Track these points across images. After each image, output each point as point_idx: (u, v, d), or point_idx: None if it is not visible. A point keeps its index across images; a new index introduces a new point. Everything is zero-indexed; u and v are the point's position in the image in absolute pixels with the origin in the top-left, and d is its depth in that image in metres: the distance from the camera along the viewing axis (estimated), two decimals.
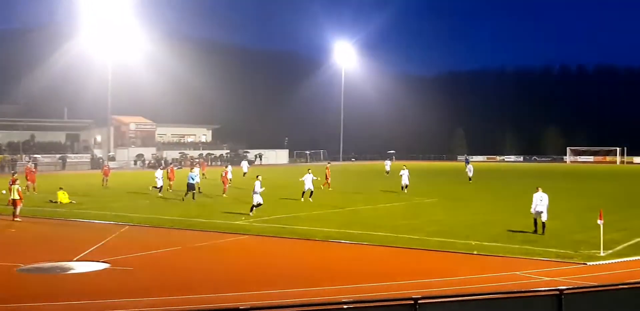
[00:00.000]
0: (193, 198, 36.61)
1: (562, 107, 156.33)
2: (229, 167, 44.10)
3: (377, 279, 16.06)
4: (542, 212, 23.11)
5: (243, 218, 27.95)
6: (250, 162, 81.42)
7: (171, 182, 43.90)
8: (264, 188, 29.41)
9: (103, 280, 16.54)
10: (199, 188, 38.84)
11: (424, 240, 21.80)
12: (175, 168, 44.27)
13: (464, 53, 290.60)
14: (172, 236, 23.63)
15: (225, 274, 17.09)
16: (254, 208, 29.01)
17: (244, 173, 58.32)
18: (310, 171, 36.58)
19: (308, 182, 35.96)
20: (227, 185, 41.32)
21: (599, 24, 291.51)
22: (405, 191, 41.77)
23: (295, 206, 33.61)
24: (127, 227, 26.05)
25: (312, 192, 36.01)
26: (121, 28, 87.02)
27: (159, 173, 41.36)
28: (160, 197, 38.71)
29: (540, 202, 23.27)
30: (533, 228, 23.34)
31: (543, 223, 23.17)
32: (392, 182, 51.29)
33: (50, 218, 29.25)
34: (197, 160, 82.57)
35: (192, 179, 36.90)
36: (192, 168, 40.59)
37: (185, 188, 36.87)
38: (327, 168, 45.17)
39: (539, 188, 23.79)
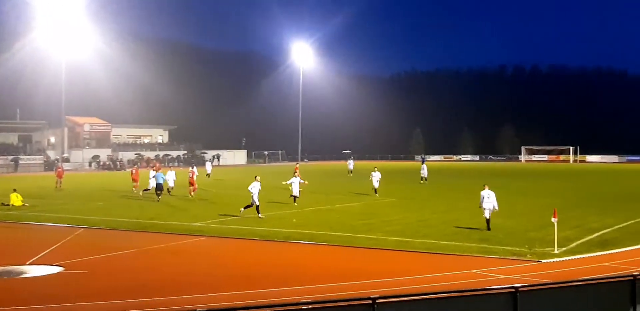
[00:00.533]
0: (157, 198, 36.82)
1: (517, 107, 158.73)
2: (194, 168, 43.63)
3: (335, 279, 16.08)
4: (489, 209, 24.04)
5: (236, 216, 27.74)
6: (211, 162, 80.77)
7: (135, 183, 43.66)
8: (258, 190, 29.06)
9: (57, 284, 16.27)
10: (169, 189, 38.84)
11: (382, 240, 21.89)
12: (145, 168, 43.62)
13: (420, 54, 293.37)
14: (128, 239, 23.35)
15: (182, 276, 16.93)
16: (258, 208, 28.64)
17: (208, 174, 58.07)
18: (297, 174, 35.18)
19: (295, 186, 33.90)
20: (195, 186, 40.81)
21: (552, 26, 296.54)
22: (377, 195, 39.17)
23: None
24: (82, 229, 25.67)
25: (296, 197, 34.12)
26: (74, 27, 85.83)
27: (152, 174, 39.71)
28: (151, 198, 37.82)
29: (487, 199, 24.15)
30: (488, 227, 23.77)
31: (488, 219, 23.98)
32: (354, 182, 51.44)
33: (3, 222, 28.67)
34: (153, 161, 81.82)
35: (161, 179, 37.41)
36: (158, 169, 40.83)
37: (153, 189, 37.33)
38: (296, 168, 45.22)
39: (486, 186, 24.75)
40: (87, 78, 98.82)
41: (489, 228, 23.74)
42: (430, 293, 10.58)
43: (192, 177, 40.42)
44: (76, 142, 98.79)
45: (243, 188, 43.30)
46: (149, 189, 39.32)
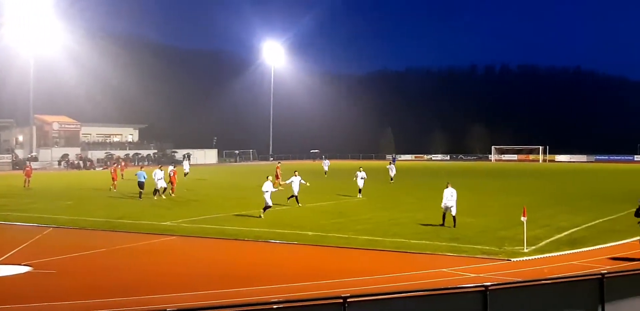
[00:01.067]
0: (140, 196, 36.95)
1: (487, 106, 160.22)
2: (171, 167, 43.33)
3: (306, 278, 16.06)
4: (452, 207, 24.53)
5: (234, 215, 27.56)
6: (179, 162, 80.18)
7: (114, 182, 43.81)
8: (276, 189, 28.98)
9: (24, 284, 16.04)
10: (164, 189, 38.24)
11: (352, 239, 21.91)
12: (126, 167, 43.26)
13: (392, 53, 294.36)
14: (97, 238, 23.11)
15: (152, 276, 16.79)
16: (266, 209, 28.32)
17: (186, 174, 57.49)
18: (297, 173, 33.61)
19: (296, 185, 32.95)
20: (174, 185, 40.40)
21: (523, 25, 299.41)
22: (360, 195, 38.25)
23: (224, 206, 33.33)
24: (50, 229, 25.37)
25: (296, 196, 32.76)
26: (43, 25, 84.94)
27: (158, 174, 38.01)
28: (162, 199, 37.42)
29: (450, 197, 24.66)
30: (443, 222, 24.48)
31: (454, 217, 24.45)
32: (329, 182, 51.43)
33: None
34: (121, 160, 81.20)
35: (144, 178, 37.30)
36: (141, 167, 40.95)
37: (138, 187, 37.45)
38: (277, 167, 45.03)
39: (449, 184, 25.28)
40: (56, 76, 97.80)
41: (454, 225, 24.21)
42: (401, 292, 10.59)
43: (173, 176, 40.29)
44: (45, 140, 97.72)
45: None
46: (158, 190, 37.80)
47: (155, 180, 37.27)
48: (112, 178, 44.20)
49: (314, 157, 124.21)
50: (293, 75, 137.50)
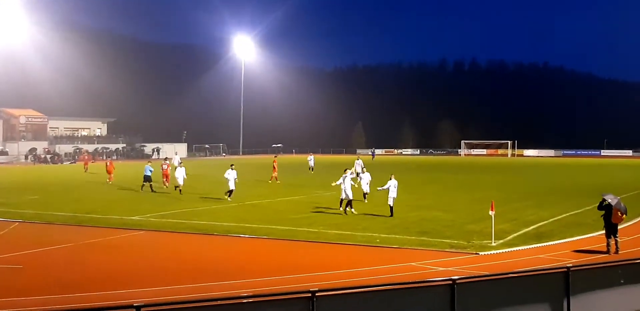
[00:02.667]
0: (151, 189, 37.73)
1: (457, 101, 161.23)
2: (168, 160, 44.50)
3: (276, 273, 16.06)
4: (392, 197, 25.86)
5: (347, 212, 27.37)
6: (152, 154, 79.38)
7: (110, 175, 44.85)
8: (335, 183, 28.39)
9: None
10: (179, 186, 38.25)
11: (322, 233, 21.95)
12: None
13: (362, 48, 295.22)
14: (64, 233, 22.86)
15: (120, 271, 16.67)
16: (343, 202, 27.74)
17: (176, 168, 55.18)
18: (350, 171, 29.00)
19: (364, 182, 30.98)
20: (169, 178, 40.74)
21: (491, 21, 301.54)
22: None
23: (193, 200, 33.18)
24: (17, 223, 25.08)
25: (350, 200, 27.74)
26: (9, 17, 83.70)
27: (179, 172, 37.78)
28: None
29: (394, 188, 26.04)
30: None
31: (391, 207, 26.01)
32: (313, 177, 51.35)
33: None
34: (87, 153, 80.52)
35: (150, 171, 38.29)
36: (148, 162, 41.38)
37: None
38: (274, 161, 44.90)
39: (393, 176, 26.56)
40: (23, 69, 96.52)
41: (391, 215, 25.60)
42: (369, 286, 10.65)
43: (167, 169, 40.87)
44: (11, 134, 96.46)
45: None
46: (179, 186, 37.41)
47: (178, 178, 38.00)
48: (108, 172, 45.50)
49: (277, 151, 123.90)
50: (264, 70, 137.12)
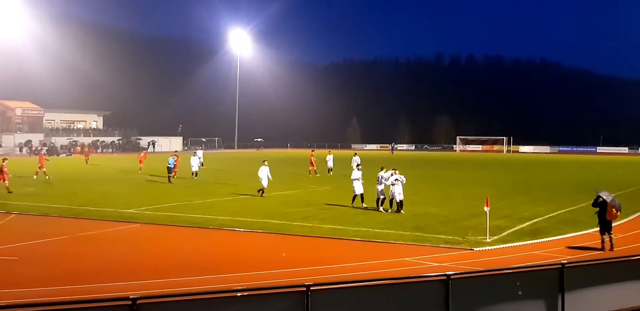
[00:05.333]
0: (169, 180, 39.92)
1: (452, 97, 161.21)
2: (199, 151, 52.24)
3: (270, 267, 16.07)
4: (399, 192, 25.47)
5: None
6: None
7: (141, 165, 47.97)
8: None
9: None
10: (194, 173, 42.96)
11: (317, 228, 21.97)
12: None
13: (359, 42, 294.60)
14: (60, 225, 22.88)
15: (115, 263, 16.68)
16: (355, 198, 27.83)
17: (202, 163, 52.09)
18: (391, 170, 26.79)
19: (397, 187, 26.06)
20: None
21: (489, 15, 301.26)
22: (403, 211, 25.74)
23: (188, 194, 33.19)
24: (13, 215, 25.08)
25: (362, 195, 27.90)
26: (6, 9, 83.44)
27: (194, 160, 43.81)
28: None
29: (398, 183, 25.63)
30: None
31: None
32: (297, 171, 51.23)
33: None
34: (86, 146, 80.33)
35: (173, 164, 40.94)
36: (173, 154, 44.02)
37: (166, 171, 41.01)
38: (311, 155, 44.80)
39: (397, 171, 26.48)
40: (20, 61, 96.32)
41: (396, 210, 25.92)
42: (364, 281, 10.68)
43: (176, 161, 42.65)
44: (7, 126, 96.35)
45: (187, 176, 43.20)
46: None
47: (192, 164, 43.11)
48: (140, 162, 49.26)
49: (257, 146, 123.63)
50: (259, 64, 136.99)
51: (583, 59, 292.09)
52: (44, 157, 46.01)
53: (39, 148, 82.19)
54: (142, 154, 52.20)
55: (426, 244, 19.11)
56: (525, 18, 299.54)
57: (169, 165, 40.89)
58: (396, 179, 25.66)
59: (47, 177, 42.34)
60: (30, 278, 14.77)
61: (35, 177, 42.56)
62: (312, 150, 49.67)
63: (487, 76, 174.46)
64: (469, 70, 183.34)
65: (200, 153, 53.51)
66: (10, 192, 32.54)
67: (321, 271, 15.55)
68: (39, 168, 43.09)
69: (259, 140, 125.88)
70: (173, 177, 41.06)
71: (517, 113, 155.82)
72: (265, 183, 31.96)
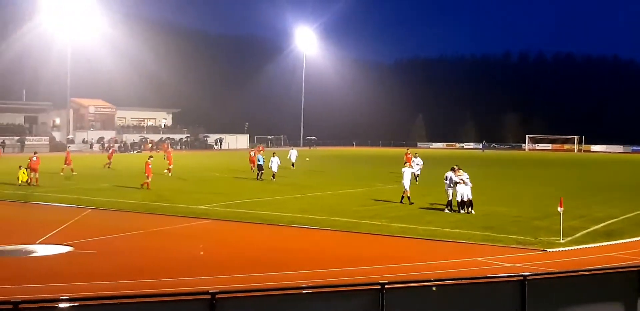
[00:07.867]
0: (260, 177, 40.67)
1: (521, 94, 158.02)
2: (293, 151, 53.10)
3: (339, 264, 16.13)
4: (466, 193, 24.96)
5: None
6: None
7: (170, 166, 45.29)
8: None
9: (66, 264, 16.40)
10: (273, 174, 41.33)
11: (385, 226, 21.92)
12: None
13: (424, 40, 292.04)
14: (135, 220, 23.44)
15: (190, 258, 16.99)
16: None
17: (292, 164, 51.93)
18: (460, 168, 26.16)
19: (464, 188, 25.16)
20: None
21: (559, 12, 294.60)
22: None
23: (256, 191, 33.56)
24: (89, 210, 25.79)
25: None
26: (80, 10, 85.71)
27: (274, 161, 42.38)
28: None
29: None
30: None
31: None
32: (367, 169, 51.22)
33: (11, 201, 28.89)
34: (166, 144, 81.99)
35: (260, 161, 41.74)
36: (259, 151, 45.78)
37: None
38: (406, 154, 45.07)
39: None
40: (93, 60, 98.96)
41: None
42: (438, 280, 10.66)
43: (253, 156, 44.74)
44: (81, 123, 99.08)
45: (239, 172, 43.71)
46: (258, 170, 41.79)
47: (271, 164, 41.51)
48: (251, 161, 46.97)
49: (309, 144, 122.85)
50: (325, 62, 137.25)
51: None
52: (114, 153, 47.09)
53: (111, 144, 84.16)
54: (110, 151, 56.44)
55: (497, 244, 18.89)
56: (597, 14, 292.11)
57: (259, 163, 41.50)
58: (461, 179, 25.36)
59: (73, 173, 42.62)
60: (107, 272, 15.17)
61: (61, 173, 42.78)
62: (408, 149, 49.90)
63: (557, 74, 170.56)
64: (537, 67, 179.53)
65: (294, 152, 53.48)
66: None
67: (391, 269, 15.55)
68: (65, 164, 43.43)
69: (312, 138, 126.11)
70: (253, 170, 43.00)
71: (589, 112, 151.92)
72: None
